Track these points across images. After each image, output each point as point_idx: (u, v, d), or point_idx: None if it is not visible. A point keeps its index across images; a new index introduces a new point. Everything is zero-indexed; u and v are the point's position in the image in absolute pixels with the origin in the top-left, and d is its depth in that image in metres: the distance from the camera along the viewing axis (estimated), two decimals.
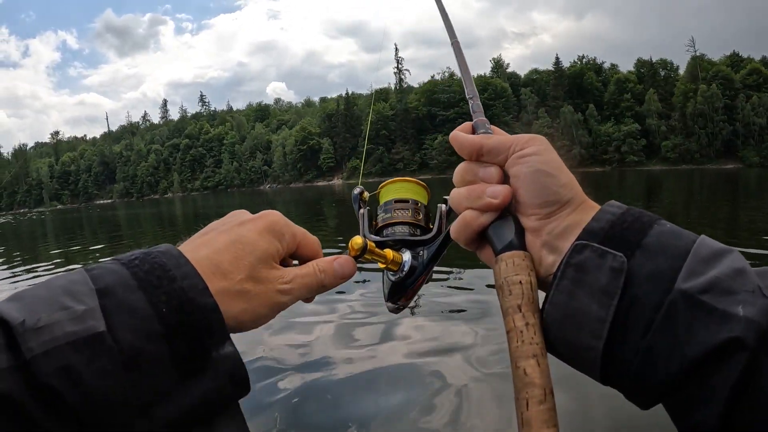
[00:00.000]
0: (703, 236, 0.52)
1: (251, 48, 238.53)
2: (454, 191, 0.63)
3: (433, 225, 0.71)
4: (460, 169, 0.63)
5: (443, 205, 0.70)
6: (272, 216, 0.57)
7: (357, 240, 0.63)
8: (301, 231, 0.59)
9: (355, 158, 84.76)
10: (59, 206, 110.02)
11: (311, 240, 0.60)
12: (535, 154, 0.58)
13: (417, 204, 0.72)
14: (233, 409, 0.48)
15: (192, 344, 0.43)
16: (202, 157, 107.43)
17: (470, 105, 0.70)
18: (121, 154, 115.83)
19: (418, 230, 0.70)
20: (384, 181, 0.70)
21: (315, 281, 0.57)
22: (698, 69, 70.37)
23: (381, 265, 0.68)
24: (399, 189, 0.74)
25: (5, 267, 12.96)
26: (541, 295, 0.56)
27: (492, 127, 0.65)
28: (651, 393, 0.49)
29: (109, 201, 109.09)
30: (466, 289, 6.31)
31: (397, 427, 3.37)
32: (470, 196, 0.60)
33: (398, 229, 0.70)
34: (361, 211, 0.74)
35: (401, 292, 0.69)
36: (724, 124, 64.56)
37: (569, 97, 78.14)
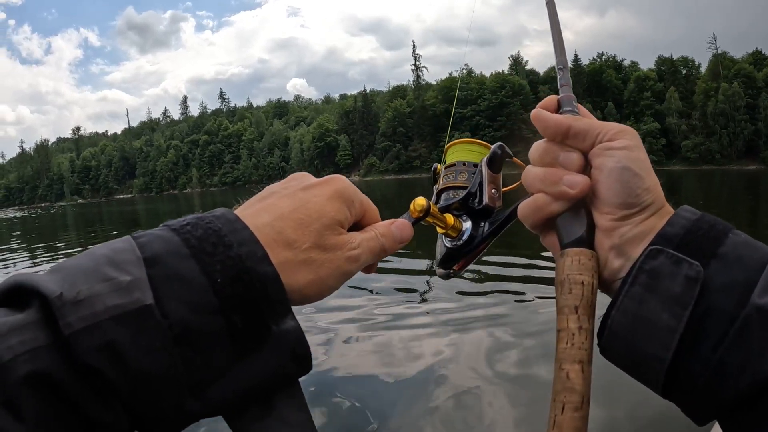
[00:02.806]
0: None
1: (272, 45, 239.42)
2: (529, 169, 0.60)
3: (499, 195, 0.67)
4: (539, 147, 0.59)
5: (484, 163, 0.66)
6: (340, 181, 0.53)
7: (420, 201, 0.60)
8: (366, 198, 0.55)
9: (372, 155, 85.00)
10: (80, 200, 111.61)
11: (374, 208, 0.57)
12: (625, 149, 0.54)
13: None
14: (293, 388, 0.44)
15: (250, 318, 0.40)
16: (220, 153, 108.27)
17: (558, 77, 0.66)
18: (141, 150, 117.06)
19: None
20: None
21: (378, 245, 0.54)
22: (720, 67, 69.54)
23: (440, 230, 0.66)
24: (468, 151, 0.70)
25: (27, 258, 13.51)
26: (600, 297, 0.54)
27: (578, 106, 0.62)
28: (714, 409, 0.48)
29: (129, 196, 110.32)
30: (483, 294, 6.35)
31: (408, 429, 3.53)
32: (546, 180, 0.57)
33: (459, 193, 0.66)
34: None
35: (455, 260, 0.67)
36: (745, 124, 63.73)
37: (588, 95, 77.53)
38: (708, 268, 0.48)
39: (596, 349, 0.52)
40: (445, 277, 0.69)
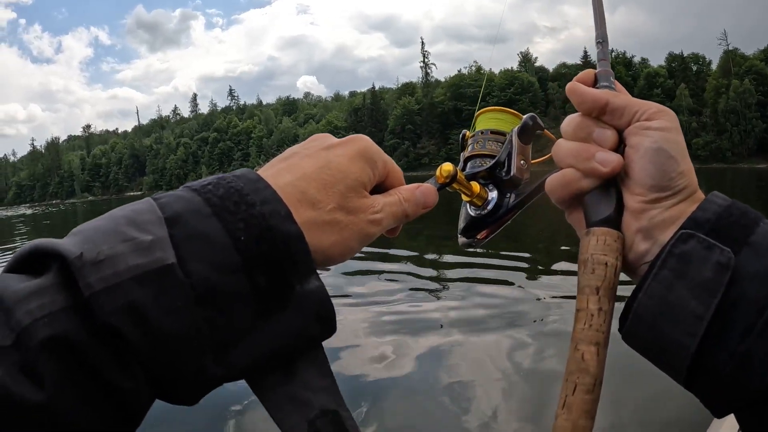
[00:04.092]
0: None
1: (281, 42, 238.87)
2: (560, 142, 0.58)
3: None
4: (573, 121, 0.58)
5: (515, 132, 0.65)
6: (364, 141, 0.51)
7: (447, 166, 0.58)
8: (389, 158, 0.54)
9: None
10: (90, 198, 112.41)
11: (398, 169, 0.55)
12: (663, 130, 0.53)
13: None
14: (316, 351, 0.43)
15: (274, 277, 0.39)
16: (230, 150, 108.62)
17: (596, 51, 0.64)
18: (151, 147, 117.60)
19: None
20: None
21: (401, 210, 0.52)
22: (731, 63, 69.05)
23: (465, 198, 0.64)
24: (498, 119, 0.68)
25: None
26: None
27: (615, 82, 0.60)
28: (736, 401, 0.46)
29: (139, 193, 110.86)
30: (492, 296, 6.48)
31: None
32: (578, 155, 0.55)
33: (487, 162, 0.65)
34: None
35: (478, 229, 0.65)
36: (757, 122, 63.22)
37: None
38: (739, 255, 0.46)
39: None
40: (467, 246, 0.68)
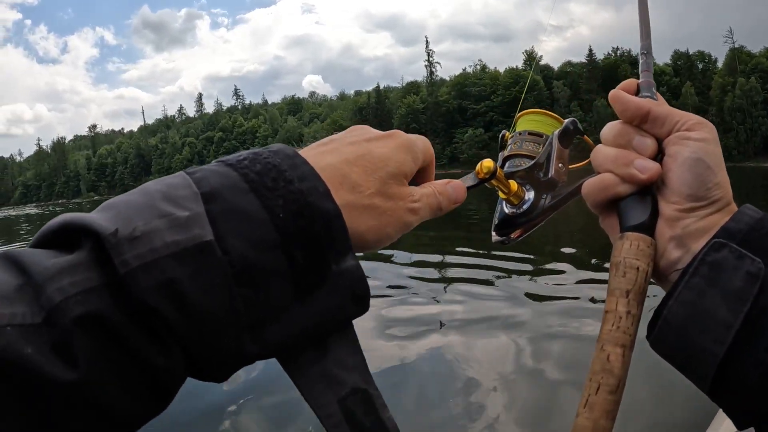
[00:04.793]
0: None
1: (287, 42, 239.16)
2: (600, 148, 0.59)
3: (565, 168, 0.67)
4: (614, 127, 0.59)
5: (555, 136, 0.66)
6: (404, 135, 0.52)
7: (487, 162, 0.59)
8: (429, 151, 0.55)
9: None
10: (96, 197, 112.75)
11: (433, 163, 0.56)
12: (702, 141, 0.54)
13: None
14: (348, 329, 0.43)
15: (311, 255, 0.39)
16: (235, 149, 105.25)
17: (640, 62, 0.66)
18: (157, 147, 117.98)
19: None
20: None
21: (436, 202, 0.53)
22: (736, 61, 68.79)
23: (502, 195, 0.65)
24: (537, 121, 0.69)
25: None
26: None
27: (657, 94, 0.61)
28: (760, 411, 0.47)
29: None
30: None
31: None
32: (617, 160, 0.56)
33: (525, 162, 0.66)
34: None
35: (512, 227, 0.66)
36: (763, 120, 62.96)
37: (603, 90, 76.86)
38: None
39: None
40: (500, 242, 0.68)
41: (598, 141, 0.60)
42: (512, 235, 0.67)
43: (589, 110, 74.51)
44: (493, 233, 0.68)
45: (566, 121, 0.67)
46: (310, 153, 0.46)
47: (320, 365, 0.41)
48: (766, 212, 0.52)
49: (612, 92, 0.60)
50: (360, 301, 0.42)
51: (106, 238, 0.34)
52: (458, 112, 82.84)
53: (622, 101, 0.58)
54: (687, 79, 72.60)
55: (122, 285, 0.33)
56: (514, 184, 0.64)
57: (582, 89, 78.98)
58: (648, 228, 0.54)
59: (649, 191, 0.56)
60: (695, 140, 0.54)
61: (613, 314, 0.51)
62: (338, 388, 0.41)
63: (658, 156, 0.56)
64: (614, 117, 0.57)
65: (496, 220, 0.68)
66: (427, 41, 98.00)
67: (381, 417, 0.41)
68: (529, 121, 0.69)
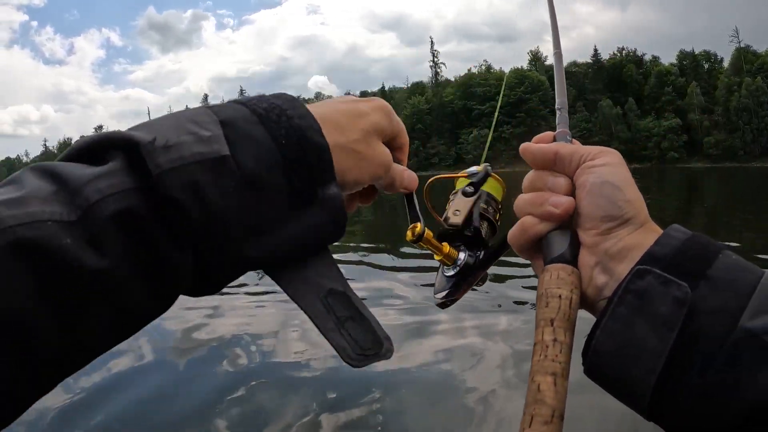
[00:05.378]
0: None
1: (293, 42, 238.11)
2: (519, 197, 0.62)
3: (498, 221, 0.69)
4: (529, 176, 0.63)
5: (460, 192, 0.70)
6: (384, 102, 0.58)
7: (417, 227, 0.62)
8: (402, 123, 0.60)
9: None
10: None
11: (406, 135, 0.61)
12: (606, 165, 0.57)
13: (488, 198, 0.70)
14: (326, 252, 0.49)
15: (305, 178, 0.45)
16: None
17: (557, 116, 0.70)
18: None
19: (485, 224, 0.68)
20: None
21: (398, 174, 0.59)
22: (742, 61, 68.60)
23: (436, 257, 0.67)
24: (462, 181, 0.72)
25: None
26: (583, 315, 0.54)
27: (574, 140, 0.65)
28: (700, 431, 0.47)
29: None
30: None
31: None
32: (533, 203, 0.60)
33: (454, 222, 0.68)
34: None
35: (451, 288, 0.68)
36: None
37: (608, 91, 77.01)
38: (697, 290, 0.47)
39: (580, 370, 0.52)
40: (442, 306, 0.70)
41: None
42: (454, 296, 0.68)
43: (594, 110, 74.45)
44: (435, 296, 0.69)
45: (468, 171, 0.70)
46: (310, 105, 0.51)
47: (302, 273, 0.47)
48: (695, 232, 0.52)
49: (522, 145, 0.63)
50: (338, 224, 0.48)
51: (144, 146, 0.39)
52: (463, 112, 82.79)
53: (529, 151, 0.62)
54: (692, 79, 72.42)
55: (154, 186, 0.38)
56: (446, 246, 0.66)
57: (587, 90, 78.84)
58: (568, 258, 0.56)
59: (568, 225, 0.58)
60: (599, 166, 0.57)
61: (540, 344, 0.51)
62: (318, 289, 0.47)
63: (574, 194, 0.58)
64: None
65: (436, 284, 0.70)
66: (432, 42, 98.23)
67: (359, 310, 0.48)
68: (459, 183, 0.72)
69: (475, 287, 0.69)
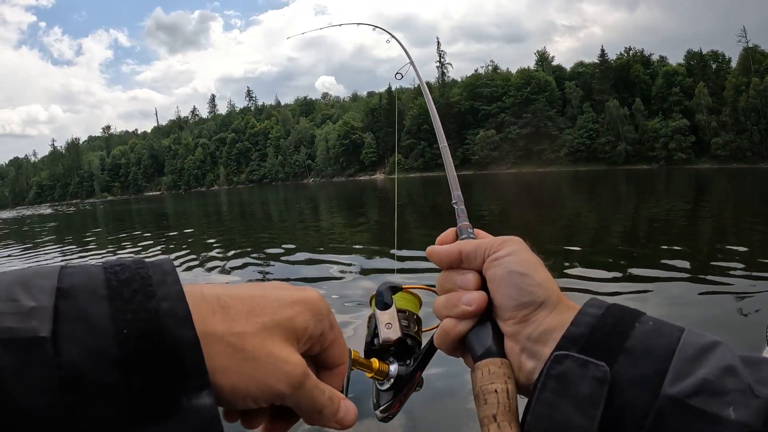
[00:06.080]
0: (688, 330, 0.51)
1: (300, 43, 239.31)
2: (435, 300, 0.62)
3: (421, 333, 0.70)
4: (440, 278, 0.63)
5: (373, 305, 0.69)
6: (316, 293, 0.48)
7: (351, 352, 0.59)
8: (339, 329, 0.50)
9: (399, 152, 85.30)
10: (109, 197, 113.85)
11: (343, 344, 0.51)
12: (509, 255, 0.58)
13: (406, 314, 0.70)
14: None
15: (153, 381, 0.35)
16: (247, 150, 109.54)
17: (456, 209, 0.71)
18: (170, 148, 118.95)
19: (408, 340, 0.68)
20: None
21: (321, 402, 0.46)
22: (750, 61, 68.18)
23: (368, 375, 0.66)
24: (402, 299, 0.72)
25: (58, 251, 14.31)
26: (522, 400, 0.54)
27: (477, 231, 0.67)
28: None
29: (158, 193, 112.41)
30: None
31: None
32: (448, 305, 0.60)
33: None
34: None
35: (388, 402, 0.67)
36: None
37: (615, 91, 76.59)
38: (616, 364, 0.49)
39: None
40: (385, 420, 0.69)
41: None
42: (393, 408, 0.68)
43: (601, 111, 74.21)
44: (376, 412, 0.69)
45: (378, 288, 0.70)
46: (205, 284, 0.44)
47: None
48: (611, 303, 0.54)
49: (428, 249, 0.64)
50: None
51: None
52: (470, 113, 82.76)
53: (434, 254, 0.63)
54: (700, 79, 71.84)
55: None
56: (375, 362, 0.66)
57: (594, 90, 78.59)
58: (495, 351, 0.57)
59: (487, 318, 0.59)
60: (503, 257, 0.58)
61: None
62: None
63: (486, 286, 0.60)
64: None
65: (374, 398, 0.69)
66: (438, 42, 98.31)
67: None
68: (397, 299, 0.71)
69: (416, 390, 0.69)
